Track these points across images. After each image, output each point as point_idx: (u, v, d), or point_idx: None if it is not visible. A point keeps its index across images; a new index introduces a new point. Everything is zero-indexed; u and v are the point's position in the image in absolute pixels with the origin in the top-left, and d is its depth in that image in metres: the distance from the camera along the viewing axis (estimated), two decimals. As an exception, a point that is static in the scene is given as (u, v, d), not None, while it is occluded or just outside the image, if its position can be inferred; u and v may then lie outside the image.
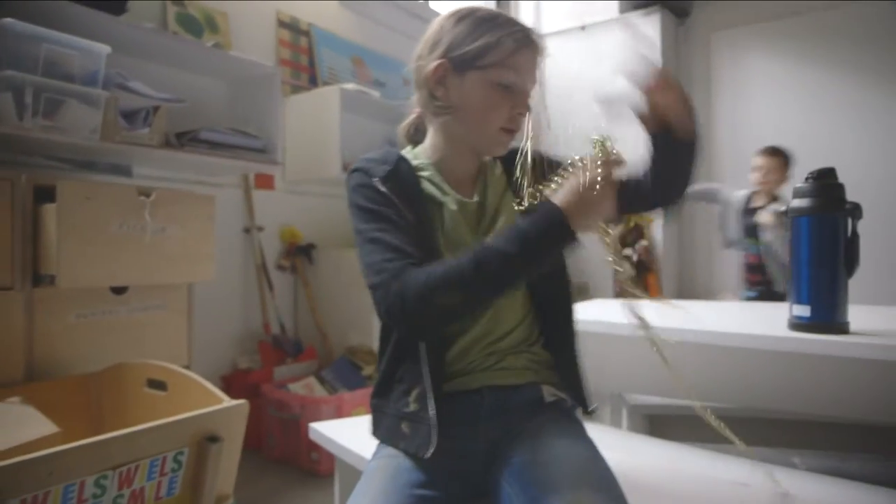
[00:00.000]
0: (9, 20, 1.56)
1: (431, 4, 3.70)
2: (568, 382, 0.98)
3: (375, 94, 2.87)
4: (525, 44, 0.92)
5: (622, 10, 3.67)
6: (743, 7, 3.47)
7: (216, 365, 2.50)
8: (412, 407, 0.90)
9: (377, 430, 0.97)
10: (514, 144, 0.96)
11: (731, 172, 3.54)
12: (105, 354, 1.59)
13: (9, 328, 1.43)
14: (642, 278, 3.51)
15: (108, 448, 1.04)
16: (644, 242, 3.52)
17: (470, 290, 0.82)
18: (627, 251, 3.56)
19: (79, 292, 1.57)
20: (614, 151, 0.84)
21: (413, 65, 0.99)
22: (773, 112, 3.37)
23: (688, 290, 3.72)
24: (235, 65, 2.37)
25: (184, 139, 2.08)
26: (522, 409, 0.92)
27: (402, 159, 0.97)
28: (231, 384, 2.46)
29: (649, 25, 3.55)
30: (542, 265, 0.83)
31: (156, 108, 1.97)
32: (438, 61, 0.94)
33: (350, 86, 2.75)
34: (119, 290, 1.66)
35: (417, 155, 1.01)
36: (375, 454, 0.95)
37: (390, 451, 0.92)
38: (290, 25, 2.87)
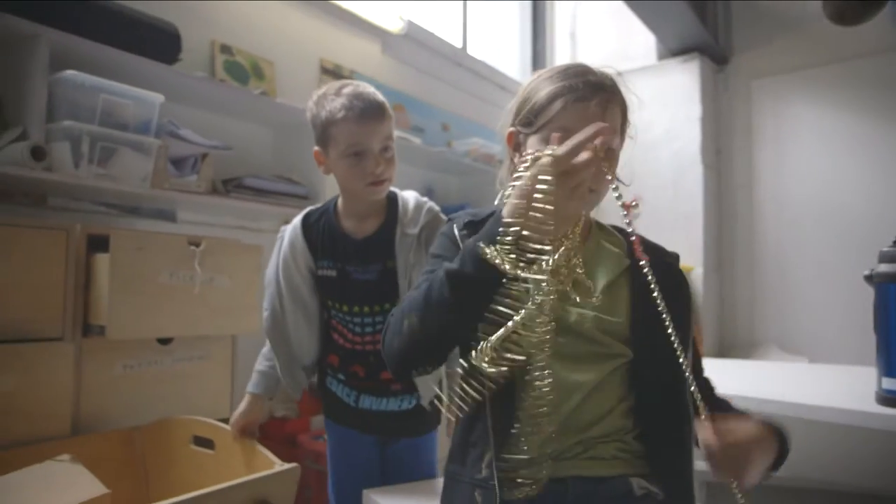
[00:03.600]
0: (70, 72, 1.58)
1: (470, 51, 3.73)
2: (665, 474, 0.89)
3: (416, 140, 2.87)
4: (573, 98, 0.86)
5: (660, 57, 3.68)
6: (784, 54, 3.44)
7: (252, 412, 2.45)
8: (484, 473, 0.84)
9: (449, 502, 0.91)
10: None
11: (774, 226, 3.45)
12: (149, 406, 1.56)
13: (58, 380, 1.40)
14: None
15: (160, 517, 1.00)
16: (684, 291, 3.43)
17: (426, 311, 0.81)
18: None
19: (126, 343, 1.54)
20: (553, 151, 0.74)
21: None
22: (818, 163, 3.29)
23: (728, 342, 3.61)
24: (280, 112, 2.39)
25: (229, 185, 2.09)
26: (609, 502, 0.85)
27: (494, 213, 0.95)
28: (266, 433, 2.41)
29: (688, 73, 3.54)
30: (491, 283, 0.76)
31: (204, 155, 1.99)
32: (509, 130, 0.95)
33: (391, 132, 2.75)
34: (164, 341, 1.64)
35: None
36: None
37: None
38: (333, 72, 2.90)
